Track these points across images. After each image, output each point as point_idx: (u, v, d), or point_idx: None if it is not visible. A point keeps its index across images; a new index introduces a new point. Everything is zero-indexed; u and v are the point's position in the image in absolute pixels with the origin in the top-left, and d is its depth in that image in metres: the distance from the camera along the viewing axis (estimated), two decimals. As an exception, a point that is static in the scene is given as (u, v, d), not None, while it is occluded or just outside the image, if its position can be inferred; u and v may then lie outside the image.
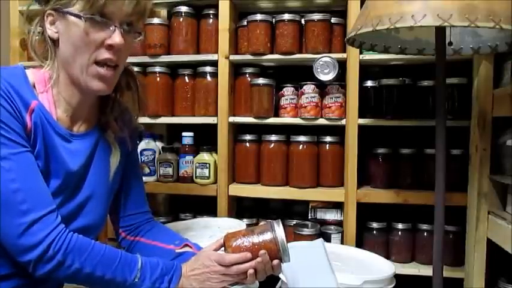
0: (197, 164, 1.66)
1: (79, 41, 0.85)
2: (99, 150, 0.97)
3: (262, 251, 0.88)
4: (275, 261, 0.90)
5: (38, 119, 0.85)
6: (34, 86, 0.88)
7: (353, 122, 1.52)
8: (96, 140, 0.97)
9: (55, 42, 0.89)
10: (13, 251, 0.81)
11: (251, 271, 0.88)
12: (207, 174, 1.65)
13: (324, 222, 1.64)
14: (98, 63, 0.87)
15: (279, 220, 0.92)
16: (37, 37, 0.90)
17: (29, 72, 0.89)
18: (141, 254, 0.93)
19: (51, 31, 0.88)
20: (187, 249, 1.03)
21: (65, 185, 0.90)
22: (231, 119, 1.65)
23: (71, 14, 0.84)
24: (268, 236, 0.89)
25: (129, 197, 1.08)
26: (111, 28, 0.85)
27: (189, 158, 1.69)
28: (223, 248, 0.92)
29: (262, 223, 0.96)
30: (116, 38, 0.85)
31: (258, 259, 0.88)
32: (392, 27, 0.95)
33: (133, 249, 1.06)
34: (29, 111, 0.84)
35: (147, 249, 1.04)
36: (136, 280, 0.87)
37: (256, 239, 0.89)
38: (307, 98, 1.59)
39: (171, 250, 1.03)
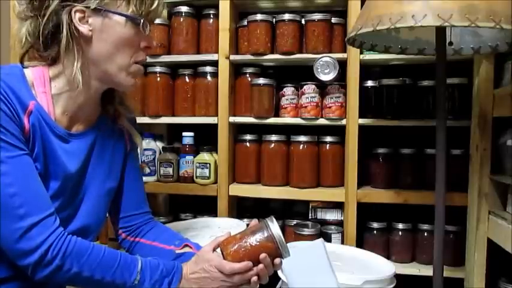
0: (197, 164, 1.66)
1: (122, 41, 0.88)
2: (97, 149, 0.97)
3: (262, 255, 0.87)
4: (276, 260, 0.89)
5: (36, 121, 0.84)
6: (32, 85, 0.86)
7: (353, 122, 1.52)
8: (94, 138, 0.96)
9: (85, 39, 0.86)
10: (12, 255, 0.80)
11: (255, 278, 0.88)
12: (208, 174, 1.65)
13: (324, 222, 1.64)
14: (137, 63, 0.92)
15: (272, 216, 0.91)
16: (52, 29, 0.85)
17: (28, 71, 0.87)
18: (142, 254, 0.93)
19: (84, 28, 0.85)
20: (187, 249, 1.03)
21: (64, 186, 0.89)
22: (231, 119, 1.64)
23: (119, 14, 0.86)
24: (264, 234, 0.88)
25: (129, 197, 1.07)
26: (147, 31, 0.90)
27: (189, 158, 1.69)
28: (219, 250, 0.91)
29: (252, 222, 0.95)
30: (152, 40, 0.94)
31: (260, 266, 0.88)
32: (392, 27, 0.95)
33: (133, 250, 1.06)
34: (27, 112, 0.83)
35: (148, 250, 1.04)
36: (136, 282, 0.86)
37: (253, 240, 0.88)
38: (307, 98, 1.59)
39: (171, 251, 1.03)
